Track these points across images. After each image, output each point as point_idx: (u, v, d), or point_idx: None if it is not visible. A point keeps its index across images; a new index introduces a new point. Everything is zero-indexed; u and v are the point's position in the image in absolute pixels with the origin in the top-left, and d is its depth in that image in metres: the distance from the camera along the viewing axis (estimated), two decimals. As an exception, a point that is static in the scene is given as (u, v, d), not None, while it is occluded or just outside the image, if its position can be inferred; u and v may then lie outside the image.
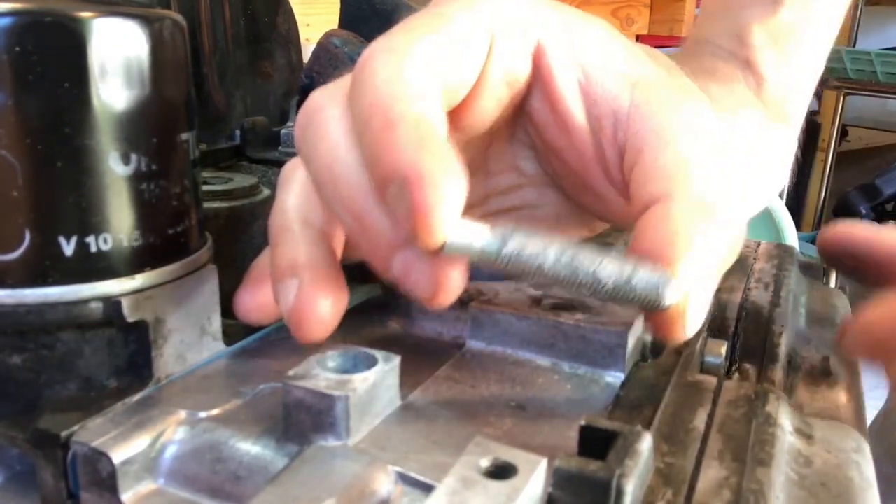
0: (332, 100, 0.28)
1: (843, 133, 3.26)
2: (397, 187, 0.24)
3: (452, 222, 0.24)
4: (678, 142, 0.30)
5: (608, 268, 0.26)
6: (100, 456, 0.27)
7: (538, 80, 0.32)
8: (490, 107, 0.32)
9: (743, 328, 0.41)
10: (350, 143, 0.27)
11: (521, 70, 0.32)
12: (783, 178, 0.50)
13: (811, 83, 0.51)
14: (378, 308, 0.40)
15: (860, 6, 3.10)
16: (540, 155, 0.37)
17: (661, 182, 0.29)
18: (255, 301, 0.32)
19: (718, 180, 0.29)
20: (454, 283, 0.26)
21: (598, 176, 0.34)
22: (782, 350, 0.38)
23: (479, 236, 0.25)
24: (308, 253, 0.30)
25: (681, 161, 0.29)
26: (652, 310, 0.27)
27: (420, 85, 0.27)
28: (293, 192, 0.32)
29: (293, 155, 0.50)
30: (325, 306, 0.29)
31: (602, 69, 0.32)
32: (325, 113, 0.28)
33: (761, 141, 0.48)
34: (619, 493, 0.22)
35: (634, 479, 0.22)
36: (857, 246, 0.41)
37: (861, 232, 0.41)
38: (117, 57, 0.29)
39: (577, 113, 0.32)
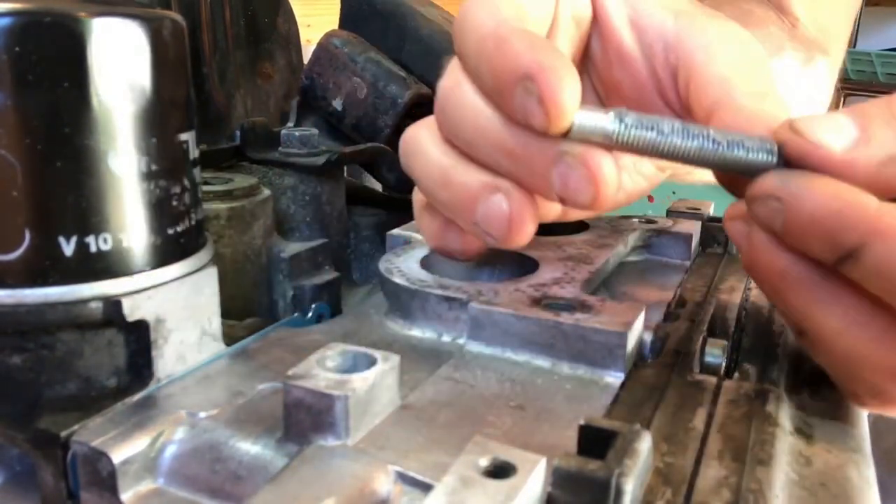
0: (460, 74, 0.33)
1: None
2: (522, 86, 0.28)
3: (575, 106, 0.28)
4: (724, 52, 0.34)
5: (719, 132, 0.29)
6: (100, 455, 0.27)
7: (596, 20, 0.38)
8: (563, 47, 0.37)
9: (743, 328, 0.41)
10: (485, 101, 0.31)
11: (585, 9, 0.38)
12: (824, 107, 0.54)
13: (846, 19, 0.53)
14: (378, 308, 0.40)
15: (860, 7, 3.10)
16: (602, 95, 0.41)
17: (719, 87, 0.33)
18: (463, 238, 0.36)
19: (765, 75, 0.34)
20: (608, 173, 0.29)
21: (656, 101, 0.38)
22: (782, 350, 0.38)
23: (600, 117, 0.29)
24: (501, 175, 0.32)
25: (732, 66, 0.34)
26: (758, 171, 0.29)
27: (516, 13, 0.32)
28: (436, 146, 0.34)
29: (293, 155, 0.50)
30: (532, 211, 0.32)
31: (646, 3, 0.37)
32: (461, 87, 0.32)
33: (802, 77, 0.50)
34: (619, 493, 0.22)
35: (633, 478, 0.22)
36: None
37: None
38: (117, 57, 0.29)
39: (630, 44, 0.37)
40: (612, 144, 0.29)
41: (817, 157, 0.27)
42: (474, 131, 0.32)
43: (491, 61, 0.30)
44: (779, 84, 0.34)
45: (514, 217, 0.32)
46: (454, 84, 0.33)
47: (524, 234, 0.32)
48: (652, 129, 0.29)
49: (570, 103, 0.28)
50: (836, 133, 0.28)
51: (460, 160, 0.33)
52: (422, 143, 0.35)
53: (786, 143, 0.28)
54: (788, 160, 0.28)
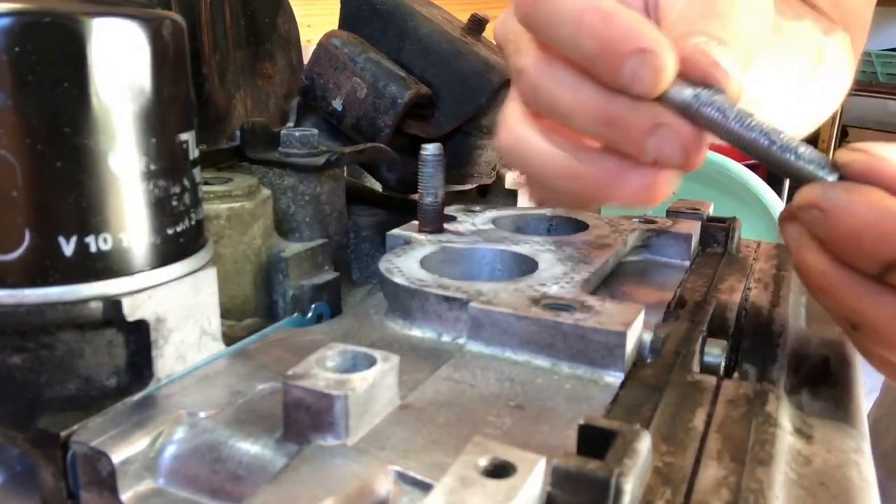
0: (542, 53, 0.34)
1: (844, 134, 3.26)
2: (636, 58, 0.31)
3: (674, 75, 0.31)
4: None
5: (776, 133, 0.31)
6: (99, 455, 0.27)
7: None
8: None
9: (743, 328, 0.41)
10: (579, 76, 0.33)
11: None
12: (846, 83, 0.54)
13: (867, 5, 0.52)
14: (378, 308, 0.40)
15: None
16: None
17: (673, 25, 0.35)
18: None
19: (726, 18, 0.34)
20: (697, 141, 0.32)
21: None
22: (782, 350, 0.38)
23: (683, 91, 0.32)
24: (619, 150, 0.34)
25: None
26: (801, 179, 0.31)
27: None
28: (543, 142, 0.36)
29: (293, 155, 0.50)
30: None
31: None
32: (551, 65, 0.34)
33: (824, 46, 0.50)
34: (618, 492, 0.22)
35: (633, 478, 0.22)
36: None
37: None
38: (117, 57, 0.29)
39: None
40: (686, 114, 0.32)
41: (888, 173, 0.28)
42: (572, 104, 0.34)
43: (598, 35, 0.31)
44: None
45: (655, 189, 0.34)
46: (543, 64, 0.34)
47: (659, 196, 0.34)
48: (718, 110, 0.31)
49: (672, 73, 0.31)
50: None
51: (572, 150, 0.35)
52: (531, 146, 0.36)
53: (849, 162, 0.29)
54: (851, 178, 0.29)
